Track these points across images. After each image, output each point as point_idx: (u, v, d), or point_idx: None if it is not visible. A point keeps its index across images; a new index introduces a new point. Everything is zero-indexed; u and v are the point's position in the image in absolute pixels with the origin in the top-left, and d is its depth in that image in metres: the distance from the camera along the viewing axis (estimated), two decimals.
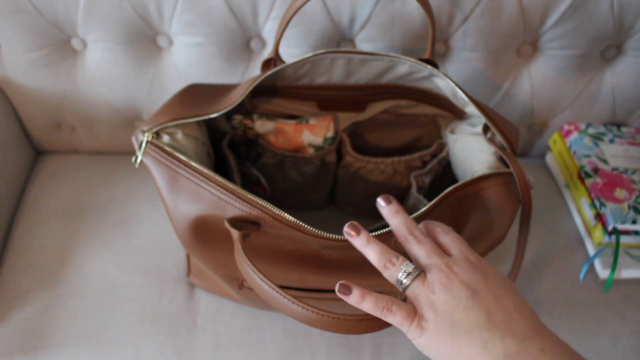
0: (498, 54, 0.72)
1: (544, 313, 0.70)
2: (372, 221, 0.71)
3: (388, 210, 0.45)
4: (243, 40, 0.71)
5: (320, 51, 0.58)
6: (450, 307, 0.38)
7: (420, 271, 0.41)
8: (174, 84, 0.74)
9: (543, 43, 0.72)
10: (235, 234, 0.49)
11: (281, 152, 0.68)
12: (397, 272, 0.41)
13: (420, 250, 0.42)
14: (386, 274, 0.42)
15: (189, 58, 0.72)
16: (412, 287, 0.41)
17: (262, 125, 0.67)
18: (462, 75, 0.74)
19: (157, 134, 0.54)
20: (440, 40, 0.71)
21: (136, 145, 0.55)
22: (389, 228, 0.48)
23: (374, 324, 0.41)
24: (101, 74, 0.73)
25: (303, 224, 0.49)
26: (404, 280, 0.41)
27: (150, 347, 0.65)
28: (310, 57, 0.57)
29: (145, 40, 0.71)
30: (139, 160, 0.54)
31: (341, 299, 0.42)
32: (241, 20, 0.68)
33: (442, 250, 0.42)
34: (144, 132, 0.54)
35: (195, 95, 0.60)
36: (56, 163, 0.84)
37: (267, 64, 0.63)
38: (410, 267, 0.41)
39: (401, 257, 0.42)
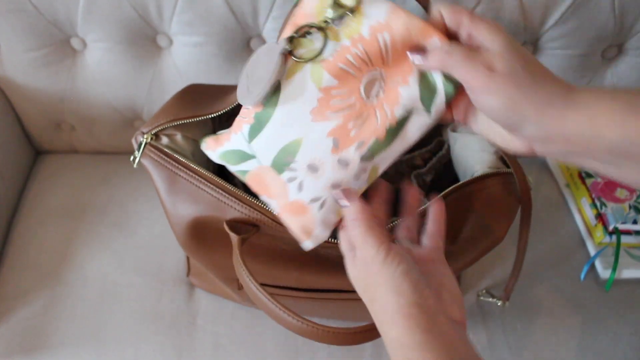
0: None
1: (544, 313, 0.70)
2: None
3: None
4: (243, 40, 0.71)
5: None
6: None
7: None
8: (174, 84, 0.74)
9: (544, 43, 0.72)
10: (234, 238, 0.48)
11: None
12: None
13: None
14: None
15: (189, 58, 0.72)
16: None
17: None
18: None
19: (157, 136, 0.54)
20: None
21: (136, 147, 0.55)
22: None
23: (368, 335, 0.42)
24: (101, 73, 0.73)
25: None
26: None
27: (150, 347, 0.65)
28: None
29: (145, 40, 0.71)
30: (137, 160, 0.54)
31: (339, 300, 0.42)
32: (241, 19, 0.68)
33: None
34: (143, 133, 0.54)
35: (195, 95, 0.60)
36: (56, 163, 0.84)
37: None
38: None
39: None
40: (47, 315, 0.66)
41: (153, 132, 0.54)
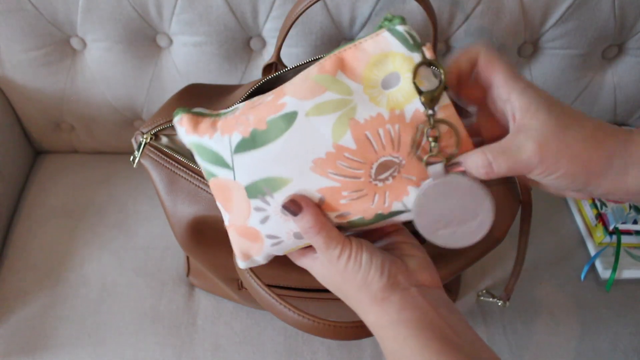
0: (499, 54, 0.72)
1: (544, 313, 0.70)
2: None
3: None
4: (243, 40, 0.71)
5: (321, 56, 0.57)
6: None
7: None
8: (174, 84, 0.74)
9: (544, 42, 0.72)
10: None
11: None
12: None
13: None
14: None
15: (189, 57, 0.71)
16: None
17: None
18: None
19: (156, 136, 0.54)
20: (440, 40, 0.71)
21: (135, 147, 0.55)
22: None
23: (369, 330, 0.41)
24: (100, 73, 0.73)
25: None
26: None
27: (149, 347, 0.65)
28: (311, 60, 0.57)
29: (144, 39, 0.70)
30: (136, 160, 0.54)
31: (340, 299, 0.42)
32: (241, 19, 0.68)
33: None
34: (142, 133, 0.54)
35: (195, 95, 0.60)
36: (55, 163, 0.83)
37: (268, 69, 0.63)
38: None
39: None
40: (46, 316, 0.66)
41: (152, 132, 0.54)
